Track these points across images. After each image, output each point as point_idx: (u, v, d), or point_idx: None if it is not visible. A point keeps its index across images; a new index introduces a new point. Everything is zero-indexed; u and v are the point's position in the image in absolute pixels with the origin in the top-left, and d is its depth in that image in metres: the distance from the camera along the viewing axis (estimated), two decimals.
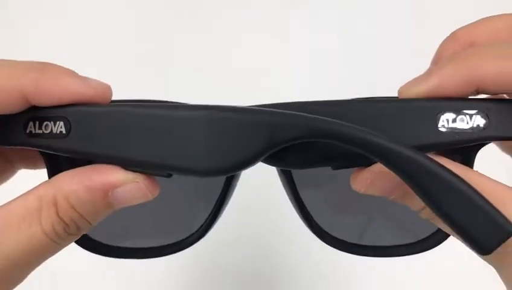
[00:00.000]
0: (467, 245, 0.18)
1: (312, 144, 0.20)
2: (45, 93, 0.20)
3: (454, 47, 0.22)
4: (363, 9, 0.51)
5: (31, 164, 0.27)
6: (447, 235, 0.24)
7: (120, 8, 0.52)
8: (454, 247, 0.24)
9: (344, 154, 0.20)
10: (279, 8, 0.51)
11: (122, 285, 0.46)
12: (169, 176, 0.21)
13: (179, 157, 0.20)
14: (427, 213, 0.20)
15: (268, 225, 0.47)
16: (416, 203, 0.20)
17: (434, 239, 0.25)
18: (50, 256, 0.21)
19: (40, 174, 0.25)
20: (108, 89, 0.21)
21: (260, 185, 0.39)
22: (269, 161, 0.21)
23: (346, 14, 0.51)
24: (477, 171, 0.20)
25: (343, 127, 0.18)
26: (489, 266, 0.20)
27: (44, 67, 0.20)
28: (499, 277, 0.20)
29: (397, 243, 0.26)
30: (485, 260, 0.20)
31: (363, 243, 0.26)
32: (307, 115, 0.19)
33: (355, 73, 0.48)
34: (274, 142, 0.19)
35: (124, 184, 0.20)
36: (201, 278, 0.46)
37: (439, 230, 0.24)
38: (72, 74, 0.20)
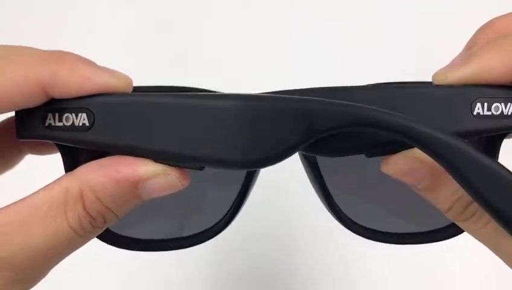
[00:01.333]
0: (509, 233, 0.17)
1: (348, 131, 0.19)
2: (63, 85, 0.19)
3: (490, 36, 0.21)
4: (365, 11, 0.51)
5: (39, 150, 0.26)
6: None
7: (122, 9, 0.51)
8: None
9: (380, 141, 0.20)
10: (279, 9, 0.51)
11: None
12: (202, 168, 0.20)
13: (211, 150, 0.19)
14: (454, 213, 0.20)
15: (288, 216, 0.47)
16: (442, 199, 0.20)
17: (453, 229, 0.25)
18: (75, 249, 0.20)
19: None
20: (129, 78, 0.20)
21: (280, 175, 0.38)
22: (304, 149, 0.20)
23: (349, 16, 0.51)
24: None
25: (384, 114, 0.18)
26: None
27: (60, 57, 0.19)
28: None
29: (418, 231, 0.26)
30: None
31: (385, 230, 0.26)
32: (346, 102, 0.18)
33: (356, 74, 0.48)
34: (313, 132, 0.18)
35: (155, 176, 0.19)
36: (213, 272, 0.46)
37: None
38: (90, 63, 0.19)
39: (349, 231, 0.26)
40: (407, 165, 0.20)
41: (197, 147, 0.19)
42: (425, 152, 0.18)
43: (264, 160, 0.19)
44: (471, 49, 0.22)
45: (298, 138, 0.19)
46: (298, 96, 0.19)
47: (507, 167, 0.18)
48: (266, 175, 0.43)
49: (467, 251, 0.44)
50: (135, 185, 0.19)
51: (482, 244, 0.21)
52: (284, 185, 0.45)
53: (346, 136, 0.20)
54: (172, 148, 0.19)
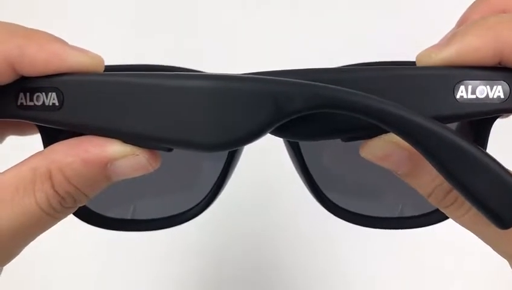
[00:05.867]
0: (487, 218, 0.17)
1: (321, 114, 0.18)
2: (31, 61, 0.18)
3: (485, 11, 0.20)
4: (365, 13, 0.49)
5: (20, 131, 0.25)
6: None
7: (122, 9, 0.50)
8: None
9: (356, 125, 0.19)
10: (279, 9, 0.50)
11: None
12: (170, 150, 0.20)
13: (179, 131, 0.18)
14: (435, 199, 0.20)
15: (272, 197, 0.46)
16: (423, 185, 0.20)
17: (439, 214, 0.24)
18: (46, 229, 0.20)
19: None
20: (100, 58, 0.20)
21: (265, 155, 0.38)
22: (276, 132, 0.20)
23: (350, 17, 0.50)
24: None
25: (356, 96, 0.17)
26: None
27: (29, 33, 0.19)
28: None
29: (403, 215, 0.25)
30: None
31: (370, 214, 0.25)
32: (316, 83, 0.18)
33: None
34: (281, 114, 0.18)
35: (123, 157, 0.19)
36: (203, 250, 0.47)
37: None
38: (61, 40, 0.19)
39: (339, 219, 0.25)
40: (384, 150, 0.19)
41: (165, 128, 0.18)
42: (398, 135, 0.17)
43: (231, 142, 0.18)
44: (463, 24, 0.21)
45: (267, 119, 0.18)
46: (267, 77, 0.18)
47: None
48: (259, 175, 0.43)
49: (467, 251, 0.44)
50: (103, 165, 0.19)
51: (482, 245, 0.20)
52: (278, 185, 0.45)
53: (321, 119, 0.19)
54: (141, 129, 0.19)
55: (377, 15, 0.49)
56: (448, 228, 0.24)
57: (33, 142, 0.24)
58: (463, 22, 0.22)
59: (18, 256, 0.21)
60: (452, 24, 0.23)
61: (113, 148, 0.19)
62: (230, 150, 0.22)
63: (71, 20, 0.50)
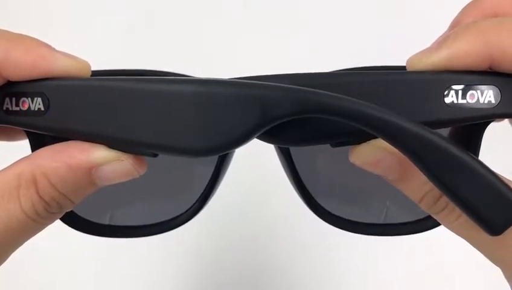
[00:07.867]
0: (477, 224, 0.17)
1: (310, 119, 0.18)
2: (17, 65, 0.18)
3: (476, 15, 0.20)
4: (364, 12, 0.49)
5: (8, 137, 0.25)
6: None
7: (121, 10, 0.50)
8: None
9: (344, 130, 0.19)
10: (279, 9, 0.50)
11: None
12: (155, 155, 0.20)
13: (165, 136, 0.18)
14: (426, 205, 0.19)
15: (265, 203, 0.46)
16: (413, 191, 0.19)
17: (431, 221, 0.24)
18: (33, 235, 0.20)
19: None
20: (86, 63, 0.19)
21: (256, 160, 0.38)
22: (264, 137, 0.19)
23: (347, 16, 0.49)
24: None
25: (342, 101, 0.17)
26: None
27: (16, 37, 0.19)
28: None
29: (394, 222, 0.25)
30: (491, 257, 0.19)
31: (364, 221, 0.25)
32: (302, 88, 0.17)
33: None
34: (267, 119, 0.18)
35: (108, 162, 0.19)
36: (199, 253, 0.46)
37: None
38: (47, 45, 0.19)
39: (328, 224, 0.25)
40: (374, 156, 0.19)
41: (151, 133, 0.18)
42: (385, 140, 0.17)
43: (218, 147, 0.18)
44: (455, 28, 0.21)
45: (253, 124, 0.18)
46: (254, 82, 0.18)
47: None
48: (251, 179, 0.43)
49: (465, 253, 0.43)
50: (88, 171, 0.19)
51: None
52: (270, 188, 0.44)
53: (309, 125, 0.19)
54: (126, 134, 0.18)
55: (374, 16, 0.49)
56: (446, 230, 0.23)
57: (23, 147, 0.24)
58: (455, 25, 0.21)
59: (11, 258, 0.20)
60: (444, 27, 0.23)
61: (98, 153, 0.19)
62: (216, 155, 0.22)
63: (70, 20, 0.50)
